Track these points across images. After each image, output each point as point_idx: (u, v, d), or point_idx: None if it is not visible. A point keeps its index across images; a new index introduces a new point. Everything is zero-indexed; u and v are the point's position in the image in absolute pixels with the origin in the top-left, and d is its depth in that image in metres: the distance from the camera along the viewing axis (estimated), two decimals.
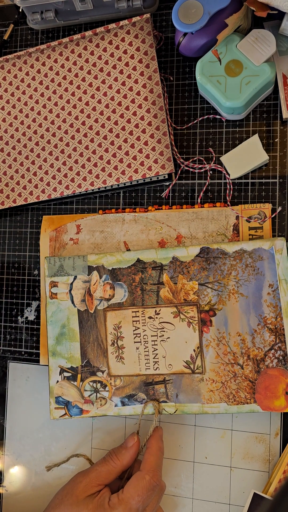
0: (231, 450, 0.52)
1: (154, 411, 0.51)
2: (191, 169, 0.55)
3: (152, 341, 0.52)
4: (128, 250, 0.55)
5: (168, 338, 0.51)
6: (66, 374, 0.53)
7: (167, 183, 0.56)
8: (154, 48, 0.54)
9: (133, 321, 0.52)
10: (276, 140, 0.53)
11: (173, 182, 0.55)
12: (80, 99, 0.57)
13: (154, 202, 0.56)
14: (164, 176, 0.55)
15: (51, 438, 0.57)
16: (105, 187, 0.56)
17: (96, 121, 0.56)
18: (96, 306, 0.53)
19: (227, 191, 0.54)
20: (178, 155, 0.55)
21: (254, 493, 0.48)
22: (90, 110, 0.56)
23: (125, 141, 0.55)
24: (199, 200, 0.54)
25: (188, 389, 0.51)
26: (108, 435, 0.56)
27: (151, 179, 0.55)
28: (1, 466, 0.59)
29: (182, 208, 0.54)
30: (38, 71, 0.58)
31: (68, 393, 0.53)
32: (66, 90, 0.57)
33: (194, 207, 0.54)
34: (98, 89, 0.56)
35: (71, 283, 0.54)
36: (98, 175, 0.55)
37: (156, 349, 0.52)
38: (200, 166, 0.55)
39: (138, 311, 0.52)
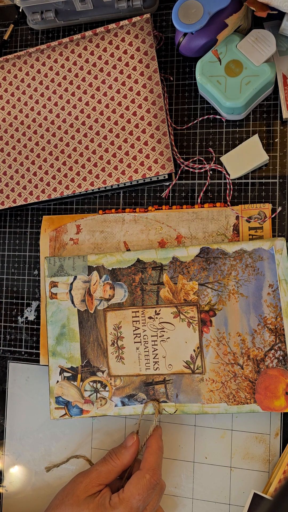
0: (231, 450, 0.52)
1: (154, 411, 0.51)
2: (191, 169, 0.55)
3: (152, 341, 0.52)
4: (128, 250, 0.55)
5: (168, 338, 0.52)
6: (66, 374, 0.53)
7: (167, 183, 0.56)
8: (154, 48, 0.54)
9: (133, 321, 0.52)
10: (276, 140, 0.53)
11: (173, 182, 0.55)
12: (80, 99, 0.57)
13: (154, 202, 0.56)
14: (164, 176, 0.55)
15: (51, 438, 0.57)
16: (105, 187, 0.56)
17: (96, 121, 0.56)
18: (96, 306, 0.53)
19: (227, 191, 0.54)
20: (178, 155, 0.55)
21: (254, 493, 0.48)
22: (90, 110, 0.56)
23: (125, 141, 0.55)
24: (199, 200, 0.54)
25: (188, 389, 0.51)
26: (108, 435, 0.56)
27: (151, 179, 0.55)
28: (1, 466, 0.59)
29: (182, 208, 0.54)
30: (38, 71, 0.58)
31: (68, 393, 0.53)
32: (66, 90, 0.57)
33: (194, 207, 0.54)
34: (98, 89, 0.56)
35: (71, 283, 0.54)
36: (98, 175, 0.55)
37: (156, 349, 0.52)
38: (200, 166, 0.55)
39: (138, 311, 0.52)
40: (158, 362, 0.52)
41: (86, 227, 0.57)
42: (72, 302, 0.54)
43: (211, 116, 0.55)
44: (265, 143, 0.53)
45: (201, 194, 0.55)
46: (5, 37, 0.62)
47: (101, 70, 0.56)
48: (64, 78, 0.57)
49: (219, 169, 0.54)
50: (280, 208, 0.52)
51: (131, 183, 0.56)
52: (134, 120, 0.54)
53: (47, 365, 0.57)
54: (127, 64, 0.55)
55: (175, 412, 0.51)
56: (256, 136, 0.52)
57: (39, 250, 0.59)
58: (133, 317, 0.52)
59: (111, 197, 0.58)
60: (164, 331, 0.52)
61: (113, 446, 0.52)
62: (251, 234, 0.52)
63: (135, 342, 0.52)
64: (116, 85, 0.55)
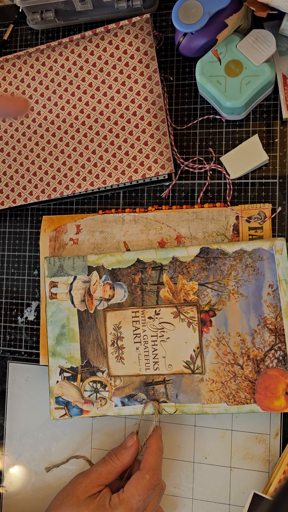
0: (231, 450, 0.52)
1: (154, 411, 0.51)
2: (191, 169, 0.55)
3: (152, 341, 0.52)
4: (128, 250, 0.55)
5: (168, 338, 0.52)
6: (66, 374, 0.53)
7: (167, 183, 0.56)
8: (154, 48, 0.54)
9: (133, 321, 0.52)
10: (276, 140, 0.53)
11: (173, 182, 0.55)
12: (80, 99, 0.57)
13: (154, 202, 0.56)
14: (164, 176, 0.55)
15: (51, 438, 0.57)
16: (105, 187, 0.56)
17: (96, 121, 0.56)
18: (96, 306, 0.53)
19: (227, 191, 0.54)
20: (178, 155, 0.55)
21: (254, 493, 0.48)
22: (90, 110, 0.56)
23: (125, 141, 0.55)
24: (199, 200, 0.54)
25: (188, 389, 0.51)
26: (108, 435, 0.56)
27: (151, 179, 0.55)
28: (1, 466, 0.59)
29: (182, 208, 0.54)
30: (38, 71, 0.58)
31: (68, 393, 0.53)
32: (66, 90, 0.57)
33: (194, 207, 0.54)
34: (98, 89, 0.56)
35: (71, 283, 0.54)
36: (98, 175, 0.55)
37: (156, 349, 0.52)
38: (200, 166, 0.55)
39: (138, 311, 0.52)
40: (158, 362, 0.52)
41: (86, 227, 0.57)
42: (72, 302, 0.54)
43: (211, 116, 0.55)
44: (265, 143, 0.53)
45: (201, 194, 0.54)
46: (5, 37, 0.62)
47: (101, 70, 0.56)
48: (64, 78, 0.57)
49: (219, 169, 0.54)
50: (280, 208, 0.52)
51: (131, 183, 0.55)
52: (134, 120, 0.54)
53: (47, 365, 0.57)
54: (127, 64, 0.55)
55: (175, 412, 0.51)
56: (256, 136, 0.52)
57: (39, 250, 0.59)
58: (133, 317, 0.52)
59: (111, 197, 0.58)
60: (164, 331, 0.52)
61: (113, 446, 0.52)
62: (251, 234, 0.52)
63: (135, 342, 0.52)
64: (116, 85, 0.55)
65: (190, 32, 0.51)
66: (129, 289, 0.53)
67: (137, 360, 0.52)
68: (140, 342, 0.52)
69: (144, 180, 0.55)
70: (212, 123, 0.55)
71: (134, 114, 0.54)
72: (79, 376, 0.53)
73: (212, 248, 0.51)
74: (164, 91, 0.56)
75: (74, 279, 0.54)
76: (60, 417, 0.53)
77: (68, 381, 0.53)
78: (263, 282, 0.50)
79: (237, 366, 0.50)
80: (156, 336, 0.52)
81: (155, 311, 0.52)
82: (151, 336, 0.52)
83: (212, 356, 0.50)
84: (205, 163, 0.55)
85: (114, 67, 0.56)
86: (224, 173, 0.54)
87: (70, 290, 0.54)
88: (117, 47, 0.56)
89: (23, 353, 0.59)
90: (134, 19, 0.55)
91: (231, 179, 0.54)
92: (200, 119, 0.55)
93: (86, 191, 0.56)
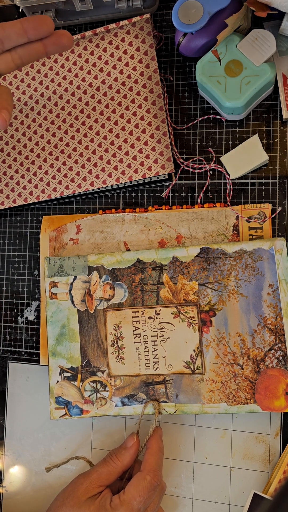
0: (231, 450, 0.52)
1: (154, 411, 0.51)
2: (191, 169, 0.55)
3: (152, 341, 0.52)
4: (128, 250, 0.55)
5: (168, 338, 0.51)
6: (66, 374, 0.53)
7: (167, 183, 0.56)
8: (154, 48, 0.54)
9: (133, 321, 0.52)
10: (276, 140, 0.53)
11: (173, 182, 0.55)
12: (80, 99, 0.57)
13: (154, 202, 0.56)
14: (164, 176, 0.55)
15: (51, 438, 0.57)
16: (105, 187, 0.56)
17: (96, 121, 0.56)
18: (96, 306, 0.53)
19: (227, 191, 0.54)
20: (178, 155, 0.55)
21: (254, 493, 0.48)
22: (90, 110, 0.56)
23: (125, 141, 0.55)
24: (199, 200, 0.54)
25: (188, 389, 0.51)
26: (108, 436, 0.56)
27: (151, 179, 0.55)
28: (1, 466, 0.59)
29: (182, 208, 0.54)
30: (38, 71, 0.58)
31: (68, 393, 0.53)
32: (66, 90, 0.57)
33: (194, 207, 0.54)
34: (98, 89, 0.56)
35: (71, 283, 0.54)
36: (98, 175, 0.55)
37: (156, 349, 0.52)
38: (200, 166, 0.55)
39: (138, 311, 0.52)
40: (158, 362, 0.52)
41: (86, 227, 0.57)
42: (72, 302, 0.54)
43: (211, 116, 0.55)
44: (265, 143, 0.53)
45: (201, 194, 0.54)
46: None
47: (101, 70, 0.56)
48: (64, 78, 0.57)
49: (219, 169, 0.54)
50: (280, 208, 0.52)
51: (131, 183, 0.55)
52: (134, 120, 0.54)
53: (47, 365, 0.57)
54: (127, 64, 0.55)
55: (175, 412, 0.51)
56: (256, 136, 0.52)
57: (39, 250, 0.59)
58: (133, 317, 0.52)
59: (111, 197, 0.58)
60: (164, 331, 0.52)
61: (113, 447, 0.52)
62: (251, 234, 0.52)
63: (135, 342, 0.52)
64: (116, 85, 0.55)
65: (190, 32, 0.51)
66: (129, 289, 0.53)
67: (137, 360, 0.52)
68: (140, 342, 0.52)
69: (144, 180, 0.55)
70: (212, 123, 0.55)
71: (134, 114, 0.54)
72: (79, 376, 0.53)
73: (212, 248, 0.51)
74: (164, 91, 0.56)
75: (74, 279, 0.54)
76: (60, 417, 0.53)
77: (68, 381, 0.53)
78: (263, 282, 0.50)
79: (237, 366, 0.50)
80: (156, 336, 0.52)
81: (155, 311, 0.52)
82: (151, 336, 0.52)
83: (212, 356, 0.50)
84: (205, 163, 0.55)
85: (114, 67, 0.56)
86: (224, 173, 0.54)
87: (70, 290, 0.54)
88: (117, 47, 0.56)
89: (23, 353, 0.59)
90: (134, 19, 0.55)
91: (231, 179, 0.54)
92: (200, 119, 0.55)
93: (86, 191, 0.56)
